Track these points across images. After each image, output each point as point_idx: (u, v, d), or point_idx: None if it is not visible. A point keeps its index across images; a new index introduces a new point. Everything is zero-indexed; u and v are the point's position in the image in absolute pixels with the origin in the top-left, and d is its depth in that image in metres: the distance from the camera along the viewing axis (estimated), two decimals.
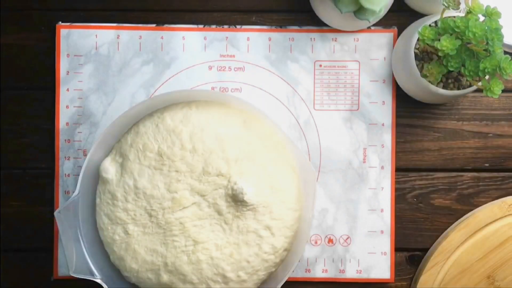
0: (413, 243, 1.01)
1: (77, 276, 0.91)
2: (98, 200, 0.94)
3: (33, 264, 1.01)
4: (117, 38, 1.01)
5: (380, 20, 1.00)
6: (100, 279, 0.92)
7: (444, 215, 1.01)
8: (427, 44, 0.90)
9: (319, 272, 1.01)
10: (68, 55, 1.01)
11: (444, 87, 0.94)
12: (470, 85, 0.94)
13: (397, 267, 1.01)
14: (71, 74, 1.01)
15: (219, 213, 0.91)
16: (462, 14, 0.92)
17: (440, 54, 0.88)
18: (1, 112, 1.01)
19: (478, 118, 1.01)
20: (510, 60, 0.86)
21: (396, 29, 1.01)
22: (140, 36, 1.01)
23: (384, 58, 1.01)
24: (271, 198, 0.92)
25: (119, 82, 1.01)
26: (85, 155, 1.00)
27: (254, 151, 0.92)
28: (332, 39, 1.01)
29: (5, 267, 1.02)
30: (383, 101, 1.01)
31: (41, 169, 1.02)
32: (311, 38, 1.01)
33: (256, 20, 1.02)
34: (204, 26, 1.01)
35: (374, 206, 1.01)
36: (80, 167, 1.00)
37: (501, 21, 0.88)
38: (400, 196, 1.01)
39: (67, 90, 1.01)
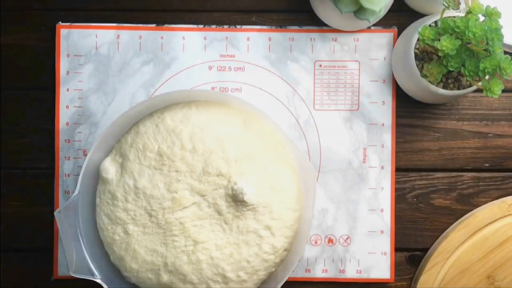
0: (413, 243, 1.01)
1: (77, 276, 0.91)
2: (98, 200, 0.94)
3: (33, 264, 1.01)
4: (117, 38, 1.01)
5: (380, 20, 1.00)
6: (100, 279, 0.92)
7: (444, 215, 1.01)
8: (427, 44, 0.90)
9: (319, 272, 1.01)
10: (68, 55, 1.01)
11: (444, 87, 0.94)
12: (470, 85, 0.94)
13: (397, 267, 1.01)
14: (71, 74, 1.01)
15: (219, 213, 0.91)
16: (462, 14, 0.92)
17: (440, 54, 0.88)
18: (1, 112, 1.01)
19: (478, 118, 1.01)
20: (510, 60, 0.86)
21: (396, 29, 1.01)
22: (140, 36, 1.01)
23: (384, 58, 1.01)
24: (271, 198, 0.92)
25: (119, 82, 1.01)
26: (85, 155, 1.00)
27: (254, 151, 0.92)
28: (332, 39, 1.01)
29: (5, 267, 1.02)
30: (383, 101, 1.01)
31: (41, 169, 1.02)
32: (311, 38, 1.01)
33: (256, 20, 1.02)
34: (204, 26, 1.01)
35: (374, 206, 1.01)
36: (80, 167, 1.00)
37: (501, 21, 0.88)
38: (400, 196, 1.01)
39: (67, 90, 1.01)
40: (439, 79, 0.92)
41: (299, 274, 1.01)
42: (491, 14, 0.87)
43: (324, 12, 0.99)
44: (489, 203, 1.01)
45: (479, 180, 1.01)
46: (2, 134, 1.01)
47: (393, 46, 1.01)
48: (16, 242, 1.02)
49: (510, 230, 0.99)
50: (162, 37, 1.01)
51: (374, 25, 1.01)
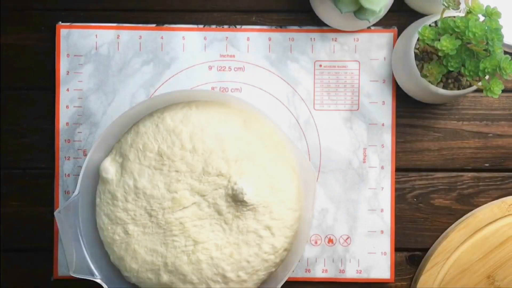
0: (413, 243, 1.01)
1: (77, 276, 0.91)
2: (98, 200, 0.94)
3: (33, 264, 1.01)
4: (117, 38, 1.01)
5: (380, 20, 1.00)
6: (100, 279, 0.92)
7: (444, 215, 1.01)
8: (427, 44, 0.90)
9: (319, 272, 1.01)
10: (68, 55, 1.01)
11: (444, 87, 0.94)
12: (470, 85, 0.93)
13: (397, 267, 1.01)
14: (71, 74, 1.01)
15: (219, 213, 0.91)
16: (462, 14, 0.92)
17: (440, 54, 0.88)
18: (1, 112, 1.01)
19: (478, 118, 1.01)
20: (510, 60, 0.86)
21: (396, 29, 1.01)
22: (140, 36, 1.01)
23: (384, 58, 1.01)
24: (271, 198, 0.92)
25: (119, 82, 1.01)
26: (85, 155, 1.00)
27: (254, 151, 0.92)
28: (332, 39, 1.01)
29: (5, 267, 1.02)
30: (383, 101, 1.01)
31: (41, 169, 1.02)
32: (311, 38, 1.01)
33: (256, 20, 1.02)
34: (204, 26, 1.01)
35: (374, 206, 1.01)
36: (80, 167, 1.00)
37: (501, 21, 0.88)
38: (400, 196, 1.01)
39: (67, 90, 1.01)
40: (439, 79, 0.92)
41: (299, 274, 1.01)
42: (491, 14, 0.87)
43: (324, 12, 0.99)
44: (489, 203, 1.01)
45: (479, 180, 1.01)
46: (2, 134, 1.01)
47: (393, 46, 1.01)
48: (16, 242, 1.02)
49: (510, 230, 0.99)
50: (162, 37, 1.01)
51: (374, 25, 1.01)
